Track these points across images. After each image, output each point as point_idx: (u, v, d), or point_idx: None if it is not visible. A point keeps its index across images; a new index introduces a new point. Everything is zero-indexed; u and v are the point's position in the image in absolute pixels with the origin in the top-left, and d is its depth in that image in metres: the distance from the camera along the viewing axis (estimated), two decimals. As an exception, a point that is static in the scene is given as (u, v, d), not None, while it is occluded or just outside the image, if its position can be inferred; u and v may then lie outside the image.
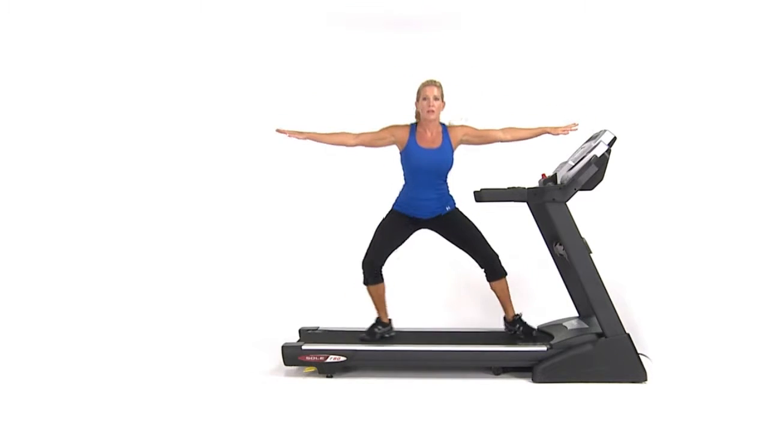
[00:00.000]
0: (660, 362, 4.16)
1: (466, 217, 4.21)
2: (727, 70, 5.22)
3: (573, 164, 4.04)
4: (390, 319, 4.32)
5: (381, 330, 4.27)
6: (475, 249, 4.18)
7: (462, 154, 4.19)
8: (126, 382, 3.98)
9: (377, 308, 4.28)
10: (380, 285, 4.21)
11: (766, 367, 4.15)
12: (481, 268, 4.22)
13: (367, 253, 4.19)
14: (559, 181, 4.06)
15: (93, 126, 5.43)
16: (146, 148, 5.44)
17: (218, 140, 5.46)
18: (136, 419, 3.43)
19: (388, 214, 4.23)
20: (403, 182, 4.22)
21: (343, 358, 4.04)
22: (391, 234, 4.19)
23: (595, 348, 3.93)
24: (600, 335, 3.95)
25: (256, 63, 5.48)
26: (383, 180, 4.31)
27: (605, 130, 4.04)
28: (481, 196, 4.11)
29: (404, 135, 4.12)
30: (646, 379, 3.89)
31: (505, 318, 4.32)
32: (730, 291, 4.85)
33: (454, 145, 4.12)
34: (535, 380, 3.93)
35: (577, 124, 4.19)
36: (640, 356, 3.94)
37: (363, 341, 4.19)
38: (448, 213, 4.19)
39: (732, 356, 4.29)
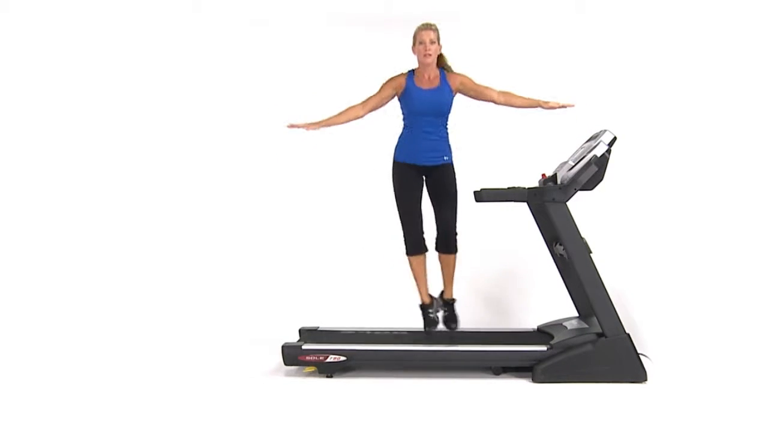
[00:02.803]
0: (660, 362, 4.16)
1: (455, 179, 4.18)
2: (728, 70, 5.21)
3: (573, 164, 4.04)
4: (431, 297, 4.28)
5: (430, 314, 4.24)
6: (445, 215, 4.17)
7: (462, 154, 4.19)
8: (126, 381, 3.98)
9: (419, 286, 4.25)
10: (421, 256, 4.19)
11: (766, 367, 4.15)
12: (438, 234, 4.19)
13: (402, 227, 4.17)
14: (559, 181, 4.06)
15: (93, 125, 5.43)
16: (146, 148, 5.43)
17: (218, 140, 5.45)
18: (136, 419, 3.43)
19: (393, 171, 4.19)
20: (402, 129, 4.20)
21: (343, 358, 4.04)
22: (408, 196, 4.15)
23: (595, 348, 3.93)
24: (600, 335, 3.96)
25: (256, 63, 5.48)
26: (383, 180, 4.31)
27: (605, 130, 4.04)
28: (481, 196, 4.11)
29: (402, 81, 4.12)
30: (646, 379, 3.89)
31: (442, 294, 4.31)
32: (730, 291, 4.85)
33: (452, 90, 4.12)
34: (535, 380, 3.93)
35: (574, 105, 4.14)
36: (640, 356, 3.94)
37: (429, 335, 4.19)
38: (444, 166, 4.15)
39: (732, 356, 4.30)
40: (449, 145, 4.18)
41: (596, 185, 4.00)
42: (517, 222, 4.50)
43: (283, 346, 4.09)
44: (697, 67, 5.25)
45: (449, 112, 4.14)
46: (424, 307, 4.29)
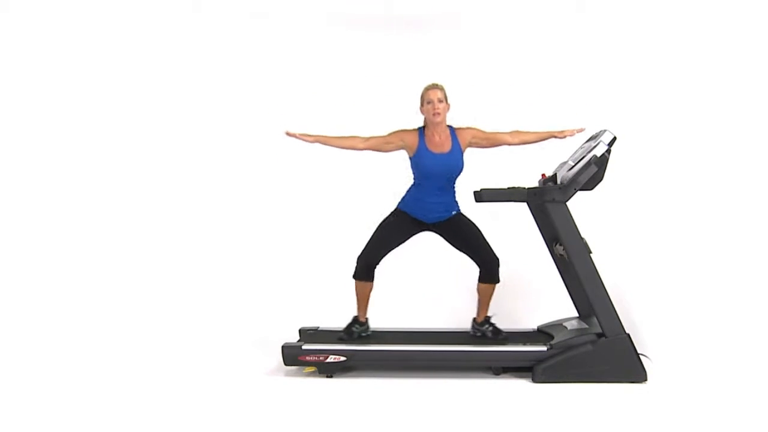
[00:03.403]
0: (660, 362, 4.16)
1: (470, 220, 4.21)
2: (728, 70, 5.22)
3: (573, 164, 4.04)
4: (367, 318, 4.31)
5: (359, 329, 4.27)
6: (477, 252, 4.18)
7: (462, 153, 4.19)
8: (126, 381, 3.98)
9: (359, 305, 4.27)
10: (369, 284, 4.22)
11: (766, 367, 4.15)
12: (480, 268, 4.21)
13: (364, 249, 4.19)
14: (559, 181, 4.06)
15: (93, 125, 5.43)
16: (147, 148, 5.43)
17: (219, 141, 5.45)
18: (136, 419, 3.43)
19: (392, 213, 4.23)
20: (411, 183, 4.21)
21: (343, 358, 4.04)
22: (392, 233, 4.19)
23: (595, 348, 3.93)
24: (600, 335, 3.95)
25: (256, 63, 5.48)
26: (383, 180, 4.32)
27: (605, 130, 4.04)
28: (481, 196, 4.11)
29: (414, 140, 4.11)
30: (646, 379, 3.89)
31: (474, 319, 4.32)
32: (730, 291, 4.85)
33: (463, 148, 4.12)
34: (535, 380, 3.93)
35: (584, 129, 4.18)
36: (640, 356, 3.94)
37: (341, 341, 4.19)
38: (452, 217, 4.18)
39: (732, 356, 4.29)
40: (456, 201, 4.20)
41: (596, 185, 4.00)
42: (517, 222, 4.50)
43: (283, 346, 4.09)
44: (697, 67, 5.25)
45: (460, 174, 4.15)
46: (357, 321, 4.29)
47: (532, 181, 4.27)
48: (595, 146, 3.98)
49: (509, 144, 4.18)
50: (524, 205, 4.23)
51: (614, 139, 4.00)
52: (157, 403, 3.65)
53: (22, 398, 3.75)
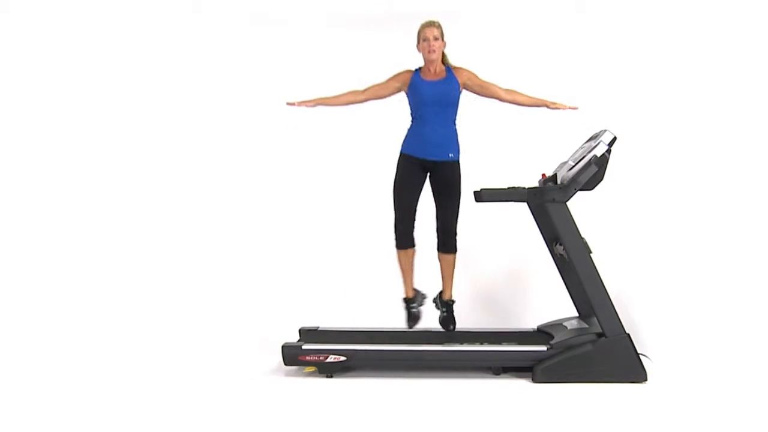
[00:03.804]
0: (660, 362, 4.16)
1: (460, 179, 4.17)
2: (727, 70, 5.21)
3: (573, 164, 4.04)
4: (415, 290, 4.30)
5: (413, 308, 4.27)
6: (445, 214, 4.17)
7: (462, 152, 4.18)
8: (126, 381, 3.98)
9: (404, 279, 4.26)
10: (410, 250, 4.20)
11: (766, 367, 4.15)
12: (437, 233, 4.21)
13: (395, 218, 4.19)
14: (559, 181, 4.06)
15: (93, 125, 5.43)
16: (147, 148, 5.43)
17: (218, 141, 5.45)
18: (136, 419, 3.43)
19: (397, 163, 4.20)
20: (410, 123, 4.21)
21: (343, 358, 4.04)
22: (405, 185, 4.16)
23: (595, 348, 3.93)
24: (600, 335, 3.96)
25: (255, 63, 5.47)
26: (383, 179, 4.31)
27: (605, 130, 4.04)
28: (481, 196, 4.11)
29: (408, 75, 4.15)
30: (646, 379, 3.89)
31: (440, 294, 4.33)
32: (730, 291, 4.85)
33: (459, 83, 4.13)
34: (535, 380, 3.93)
35: (577, 108, 4.17)
36: (640, 356, 3.94)
37: (411, 328, 4.24)
38: (450, 163, 4.14)
39: (732, 356, 4.30)
40: (457, 143, 4.17)
41: (596, 185, 4.00)
42: (517, 222, 4.50)
43: (283, 346, 4.09)
44: (697, 67, 5.25)
45: (457, 104, 4.14)
46: (407, 301, 4.31)
47: (532, 181, 4.27)
48: (595, 146, 3.98)
49: (500, 99, 4.18)
50: (524, 205, 4.23)
51: (614, 139, 4.00)
52: (157, 403, 3.65)
53: (23, 398, 3.74)
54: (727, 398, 3.66)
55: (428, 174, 4.18)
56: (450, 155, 4.14)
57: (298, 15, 5.47)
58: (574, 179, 3.97)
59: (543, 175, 4.21)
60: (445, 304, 4.31)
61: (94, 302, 5.07)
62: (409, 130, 4.20)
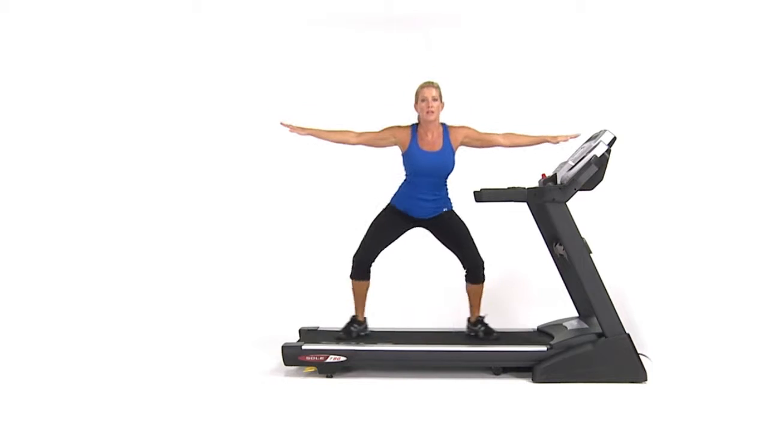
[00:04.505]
0: (660, 362, 4.16)
1: (460, 219, 4.22)
2: (727, 70, 5.22)
3: (573, 164, 4.04)
4: (365, 318, 4.32)
5: (357, 328, 4.28)
6: (464, 252, 4.20)
7: (462, 152, 4.19)
8: (126, 381, 3.98)
9: (356, 305, 4.28)
10: (365, 282, 4.23)
11: (766, 367, 4.15)
12: (464, 269, 4.23)
13: (358, 248, 4.21)
14: (559, 181, 4.06)
15: (93, 124, 5.44)
16: (147, 148, 5.44)
17: (218, 141, 5.45)
18: (136, 419, 3.43)
19: (384, 209, 4.24)
20: (404, 178, 4.22)
21: (343, 358, 4.04)
22: (384, 230, 4.20)
23: (595, 348, 3.93)
24: (600, 335, 3.95)
25: (255, 63, 5.48)
26: (383, 179, 4.31)
27: (605, 130, 4.04)
28: (481, 196, 4.11)
29: (406, 137, 4.12)
30: (646, 379, 3.89)
31: (468, 319, 4.33)
32: (730, 291, 4.85)
33: (454, 147, 4.13)
34: (535, 380, 3.93)
35: (578, 135, 4.21)
36: (640, 356, 3.94)
37: (339, 340, 4.20)
38: (444, 213, 4.19)
39: (732, 356, 4.30)
40: (448, 198, 4.21)
41: (596, 185, 4.00)
42: (517, 222, 4.50)
43: (283, 346, 4.09)
44: (697, 67, 5.25)
45: (451, 173, 4.15)
46: (356, 321, 4.30)
47: (532, 181, 4.27)
48: (595, 146, 3.98)
49: (502, 146, 4.20)
50: (524, 205, 4.23)
51: (614, 139, 4.00)
52: (157, 403, 3.65)
53: (23, 398, 3.74)
54: (727, 398, 3.66)
55: (419, 226, 4.20)
56: (444, 209, 4.19)
57: (298, 15, 5.47)
58: (574, 179, 3.97)
59: (543, 175, 4.21)
60: (479, 321, 4.30)
61: (95, 302, 5.08)
62: (401, 187, 4.21)
